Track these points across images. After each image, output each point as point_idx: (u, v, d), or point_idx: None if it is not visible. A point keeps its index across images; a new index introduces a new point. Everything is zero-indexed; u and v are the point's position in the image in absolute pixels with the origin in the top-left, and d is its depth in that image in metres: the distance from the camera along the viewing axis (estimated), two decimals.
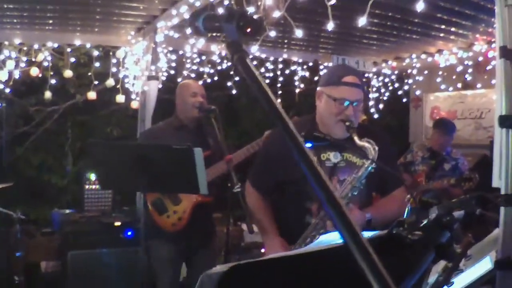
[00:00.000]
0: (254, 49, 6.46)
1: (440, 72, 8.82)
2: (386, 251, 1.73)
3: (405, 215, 2.51)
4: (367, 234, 1.77)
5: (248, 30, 1.49)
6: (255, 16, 4.73)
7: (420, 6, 3.91)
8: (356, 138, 3.33)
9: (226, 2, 5.16)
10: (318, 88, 3.70)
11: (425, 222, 1.81)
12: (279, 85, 8.90)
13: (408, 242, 1.64)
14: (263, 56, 8.45)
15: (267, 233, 3.81)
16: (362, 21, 4.11)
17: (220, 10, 5.24)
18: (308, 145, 3.15)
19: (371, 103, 9.48)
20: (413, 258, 1.83)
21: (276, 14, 4.60)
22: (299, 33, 4.84)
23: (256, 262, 1.52)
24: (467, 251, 2.59)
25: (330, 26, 4.29)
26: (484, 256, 2.71)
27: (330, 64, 8.76)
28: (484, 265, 2.64)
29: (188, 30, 6.18)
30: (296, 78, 9.04)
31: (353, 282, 1.13)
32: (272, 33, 5.07)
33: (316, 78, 8.98)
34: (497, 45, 2.64)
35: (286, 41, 7.91)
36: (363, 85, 3.68)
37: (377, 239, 1.69)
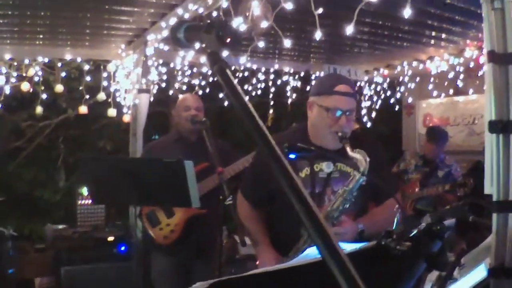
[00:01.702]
0: (244, 60, 6.45)
1: (432, 79, 8.80)
2: (374, 262, 1.71)
3: (394, 226, 2.47)
4: (355, 245, 1.74)
5: (228, 40, 1.47)
6: (240, 26, 4.73)
7: (407, 13, 3.88)
8: (348, 149, 3.26)
9: (214, 14, 5.15)
10: (310, 98, 3.62)
11: (414, 232, 1.78)
12: (271, 95, 8.90)
13: (397, 253, 1.61)
14: (254, 67, 8.44)
15: (259, 244, 3.77)
16: (349, 29, 4.08)
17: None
18: (292, 156, 3.10)
19: (363, 111, 9.46)
20: (403, 269, 1.81)
21: (264, 24, 4.59)
22: (287, 43, 4.82)
23: (237, 278, 1.49)
24: (461, 260, 2.57)
25: (318, 35, 4.27)
26: (479, 263, 2.68)
27: (322, 74, 8.75)
28: (479, 273, 2.61)
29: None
30: (288, 88, 9.02)
31: None
32: (261, 44, 5.05)
33: (308, 88, 8.98)
34: (485, 50, 2.62)
35: (277, 51, 7.91)
36: (356, 94, 3.64)
37: (365, 251, 1.66)
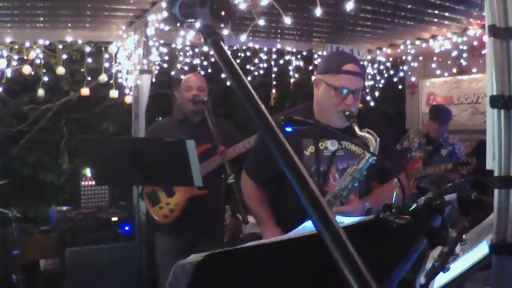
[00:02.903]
0: (244, 38, 6.41)
1: (435, 58, 8.78)
2: (374, 236, 1.70)
3: (393, 199, 2.46)
4: (354, 219, 1.73)
5: (222, 13, 1.45)
6: (240, 4, 4.70)
7: None
8: (356, 128, 3.24)
9: None
10: (316, 76, 3.63)
11: (414, 206, 1.77)
12: (273, 75, 8.86)
13: (395, 227, 1.60)
14: (256, 46, 8.40)
15: (264, 223, 3.78)
16: (349, 5, 4.06)
17: None
18: (288, 129, 3.08)
19: (367, 90, 9.43)
20: (404, 243, 1.80)
21: (265, 2, 4.56)
22: (287, 20, 4.79)
23: (232, 251, 1.48)
24: (463, 236, 2.56)
25: (318, 12, 4.25)
26: (481, 240, 2.67)
27: (325, 53, 8.71)
28: (482, 250, 2.60)
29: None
30: (290, 68, 8.98)
31: (329, 270, 1.08)
32: (262, 22, 5.03)
33: (310, 68, 8.95)
34: (486, 24, 2.60)
35: (279, 30, 7.86)
36: (363, 73, 3.63)
37: (363, 224, 1.66)
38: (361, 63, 8.94)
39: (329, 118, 3.54)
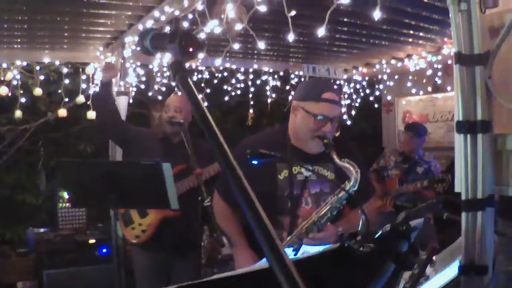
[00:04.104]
0: (219, 62, 6.47)
1: (410, 77, 8.88)
2: (339, 264, 1.74)
3: (359, 227, 2.51)
4: (317, 248, 1.77)
5: (190, 49, 1.49)
6: (215, 29, 4.75)
7: (377, 15, 3.92)
8: (335, 158, 3.30)
9: (190, 16, 5.17)
10: (294, 102, 3.66)
11: (380, 233, 1.81)
12: (250, 95, 8.91)
13: (360, 255, 1.64)
14: (234, 67, 8.45)
15: (235, 245, 3.80)
16: (321, 31, 4.12)
17: (185, 24, 5.26)
18: (254, 162, 3.13)
19: (343, 109, 9.50)
20: (371, 269, 1.84)
21: (239, 27, 4.61)
22: (261, 45, 4.85)
23: (201, 284, 1.51)
24: (433, 258, 2.61)
25: (291, 37, 4.30)
26: (452, 261, 2.72)
27: (301, 73, 8.79)
28: (454, 270, 2.65)
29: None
30: (267, 88, 9.04)
31: None
32: (237, 46, 5.08)
33: (287, 87, 9.01)
34: (453, 51, 2.67)
35: (255, 51, 7.93)
36: (341, 101, 3.70)
37: (328, 253, 1.69)
38: (337, 82, 9.13)
39: (305, 144, 3.59)
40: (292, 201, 3.60)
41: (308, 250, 1.74)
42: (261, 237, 1.12)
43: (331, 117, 3.49)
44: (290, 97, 9.07)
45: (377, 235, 1.78)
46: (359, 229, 2.47)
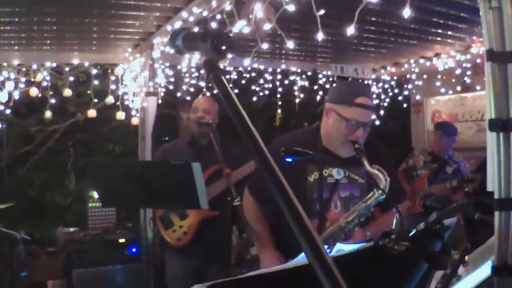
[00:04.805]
0: (248, 62, 6.49)
1: (439, 76, 8.82)
2: (373, 263, 1.73)
3: (393, 225, 2.49)
4: (352, 246, 1.77)
5: (223, 48, 1.50)
6: (243, 29, 4.76)
7: (406, 13, 3.89)
8: (366, 164, 3.24)
9: (218, 17, 5.18)
10: (327, 104, 3.62)
11: (413, 232, 1.80)
12: (278, 95, 8.92)
13: (394, 253, 1.63)
14: (261, 67, 8.47)
15: (262, 244, 3.79)
16: (350, 30, 4.10)
17: (213, 25, 5.28)
18: (288, 159, 3.11)
19: None
20: (404, 269, 1.83)
21: (268, 26, 4.61)
22: (290, 44, 4.85)
23: (235, 280, 1.51)
24: (465, 258, 2.58)
25: (320, 36, 4.29)
26: (484, 261, 2.69)
27: (329, 73, 8.78)
28: (486, 270, 2.62)
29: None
30: (295, 88, 9.04)
31: None
32: (265, 46, 5.08)
33: (315, 87, 9.00)
34: (485, 48, 2.64)
35: (283, 51, 7.93)
36: (374, 106, 3.66)
37: (363, 252, 1.68)
38: (366, 82, 9.09)
39: (336, 147, 3.55)
40: (321, 204, 3.57)
41: (343, 248, 1.73)
42: (300, 234, 1.12)
43: (363, 122, 3.45)
44: (318, 97, 9.06)
45: (411, 234, 1.77)
46: (393, 227, 2.46)
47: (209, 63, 1.47)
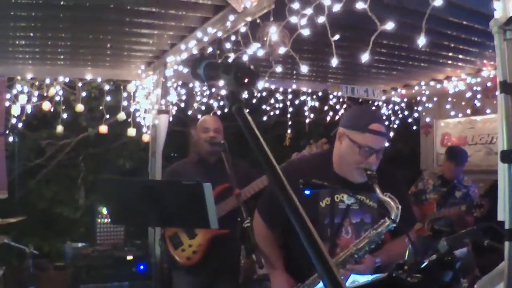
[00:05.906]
0: (261, 85, 6.53)
1: (449, 99, 8.86)
2: None
3: (406, 257, 2.50)
4: (367, 277, 1.79)
5: (246, 80, 1.52)
6: (258, 51, 4.79)
7: (421, 41, 3.90)
8: (378, 192, 3.16)
9: (233, 38, 5.22)
10: (340, 128, 3.57)
11: (426, 263, 1.82)
12: (289, 115, 8.96)
13: (408, 285, 1.65)
14: (273, 87, 8.51)
15: (272, 267, 3.77)
16: (365, 57, 4.13)
17: (228, 45, 5.32)
18: (307, 192, 3.12)
19: None
20: None
21: (282, 50, 4.64)
22: (304, 68, 4.88)
23: None
24: (474, 286, 2.60)
25: (335, 62, 4.32)
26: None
27: (339, 94, 8.81)
28: None
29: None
30: (305, 108, 9.08)
31: None
32: (279, 69, 5.12)
33: (325, 108, 9.04)
34: (498, 80, 2.66)
35: (295, 72, 7.97)
36: (388, 132, 3.63)
37: (377, 283, 1.71)
38: (376, 103, 9.10)
39: (348, 172, 3.52)
40: (332, 229, 3.54)
41: (358, 279, 1.75)
42: (315, 259, 1.14)
43: (376, 149, 3.40)
44: (328, 118, 9.09)
45: (423, 265, 1.79)
46: (406, 258, 2.47)
47: (231, 95, 1.50)
